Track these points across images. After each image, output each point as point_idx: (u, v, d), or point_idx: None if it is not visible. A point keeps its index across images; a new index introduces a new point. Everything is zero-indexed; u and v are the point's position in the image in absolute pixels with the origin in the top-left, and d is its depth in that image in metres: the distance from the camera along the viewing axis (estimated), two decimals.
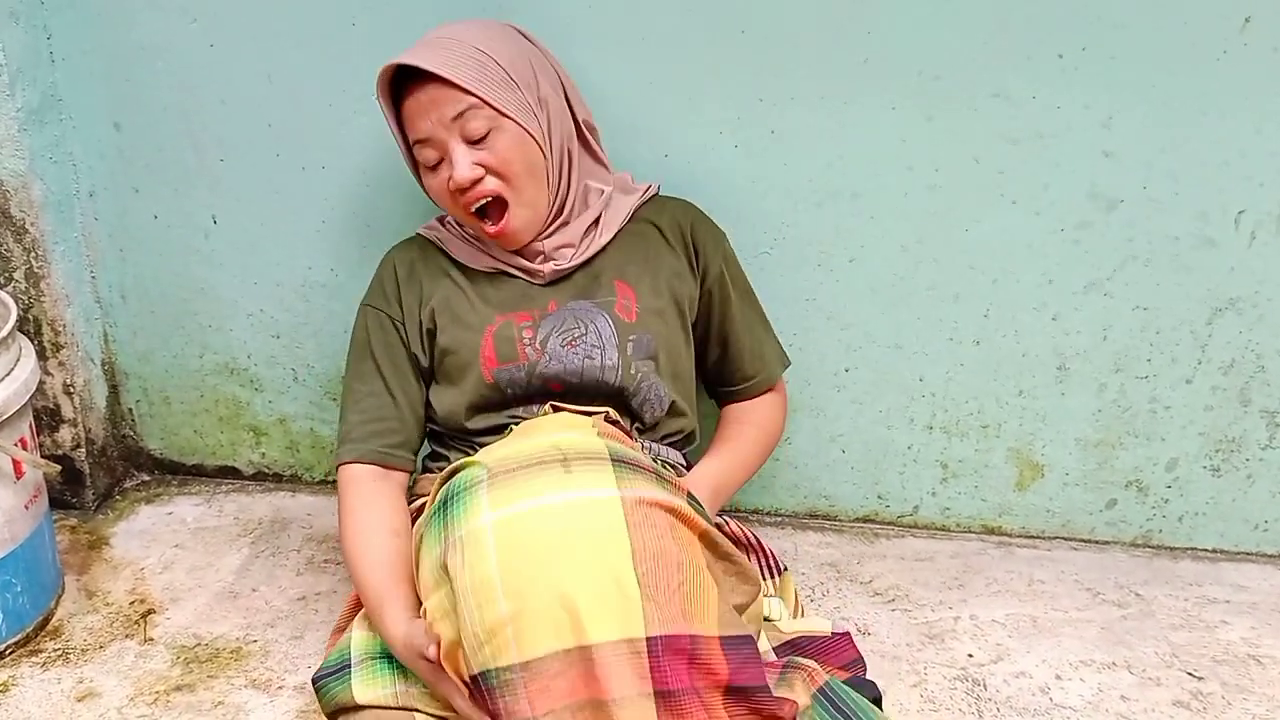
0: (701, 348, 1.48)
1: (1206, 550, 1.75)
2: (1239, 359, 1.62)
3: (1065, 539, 1.77)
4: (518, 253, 1.38)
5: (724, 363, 1.50)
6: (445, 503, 1.08)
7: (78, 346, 1.72)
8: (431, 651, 1.07)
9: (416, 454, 1.42)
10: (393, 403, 1.39)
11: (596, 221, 1.40)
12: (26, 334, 1.63)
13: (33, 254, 1.61)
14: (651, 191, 1.47)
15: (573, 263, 1.38)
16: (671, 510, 1.08)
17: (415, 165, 1.35)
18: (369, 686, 1.18)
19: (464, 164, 1.27)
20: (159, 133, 1.63)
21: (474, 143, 1.27)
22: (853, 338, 1.66)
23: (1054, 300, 1.61)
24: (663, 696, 0.99)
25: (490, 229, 1.32)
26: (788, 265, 1.61)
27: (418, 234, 1.47)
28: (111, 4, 1.55)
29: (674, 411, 1.41)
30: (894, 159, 1.54)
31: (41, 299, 1.64)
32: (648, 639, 0.99)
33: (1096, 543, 1.77)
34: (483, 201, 1.30)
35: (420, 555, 1.12)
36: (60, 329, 1.67)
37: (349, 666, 1.20)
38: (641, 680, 0.98)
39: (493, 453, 1.12)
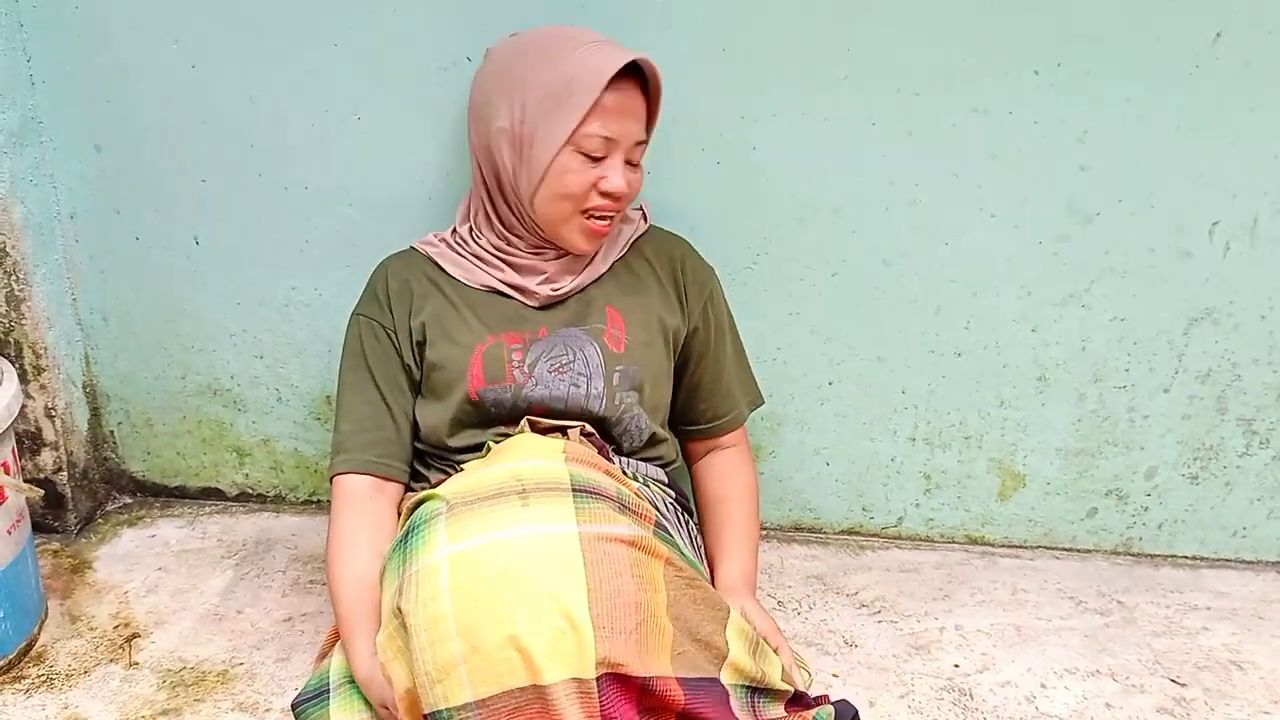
0: (675, 383, 1.49)
1: (1186, 557, 1.78)
2: (1215, 368, 1.64)
3: (1047, 548, 1.79)
4: (517, 270, 1.38)
5: (695, 401, 1.50)
6: (406, 536, 1.08)
7: (59, 369, 1.71)
8: (391, 702, 1.08)
9: (410, 466, 1.42)
10: (388, 412, 1.38)
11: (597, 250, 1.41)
12: (7, 357, 1.62)
13: (13, 277, 1.60)
14: (646, 222, 1.48)
15: (569, 289, 1.38)
16: (634, 543, 1.08)
17: (555, 151, 1.28)
18: (345, 712, 1.18)
19: (621, 177, 1.29)
20: (140, 154, 1.62)
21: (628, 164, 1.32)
22: (836, 351, 1.67)
23: (1033, 312, 1.63)
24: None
25: (599, 226, 1.33)
26: (771, 280, 1.62)
27: (412, 247, 1.45)
28: (91, 25, 1.55)
29: (653, 441, 1.42)
30: (875, 174, 1.55)
31: (22, 322, 1.63)
32: (598, 679, 1.00)
33: (1078, 551, 1.79)
34: (607, 213, 1.32)
35: (382, 585, 1.12)
36: (41, 352, 1.66)
37: (328, 692, 1.21)
38: (589, 711, 0.99)
39: (454, 484, 1.12)
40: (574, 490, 1.09)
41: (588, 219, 1.31)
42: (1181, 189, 1.54)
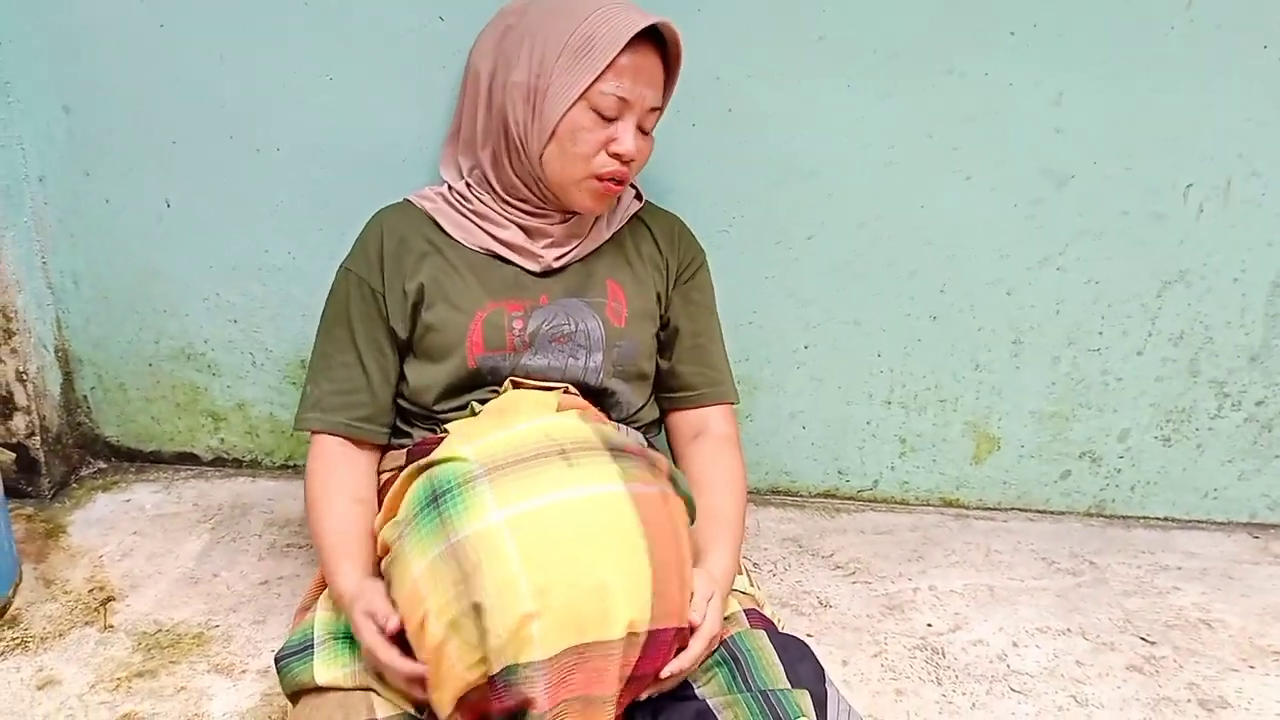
0: (663, 353, 1.45)
1: (1158, 519, 1.79)
2: (1188, 330, 1.65)
3: (1021, 510, 1.80)
4: (527, 232, 1.35)
5: (684, 367, 1.44)
6: (435, 499, 1.07)
7: (30, 333, 1.69)
8: (392, 625, 1.07)
9: (387, 427, 1.39)
10: (364, 374, 1.36)
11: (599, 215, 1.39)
12: None
13: None
14: (641, 201, 1.46)
15: (571, 257, 1.36)
16: (666, 499, 1.10)
17: (567, 106, 1.26)
18: (329, 666, 1.17)
19: (633, 141, 1.26)
20: (109, 115, 1.60)
21: (640, 130, 1.28)
22: (811, 314, 1.67)
23: (1008, 275, 1.63)
24: (633, 680, 1.03)
25: (612, 187, 1.29)
26: (746, 243, 1.62)
27: (408, 200, 1.41)
28: None
29: (639, 413, 1.42)
30: (850, 136, 1.55)
31: None
32: (649, 631, 1.02)
33: (1051, 513, 1.80)
34: (613, 177, 1.28)
35: (405, 552, 1.08)
36: (12, 315, 1.65)
37: (311, 646, 1.20)
38: (625, 668, 1.02)
39: (473, 442, 1.10)
40: (608, 448, 1.10)
41: (596, 181, 1.28)
42: (1156, 151, 1.54)
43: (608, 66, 1.23)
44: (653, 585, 1.03)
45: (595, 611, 1.00)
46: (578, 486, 1.05)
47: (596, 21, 1.24)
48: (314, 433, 1.36)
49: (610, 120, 1.26)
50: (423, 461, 1.12)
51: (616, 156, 1.26)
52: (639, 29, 1.23)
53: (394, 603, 1.10)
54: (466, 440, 1.12)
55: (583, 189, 1.30)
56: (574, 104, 1.25)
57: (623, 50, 1.23)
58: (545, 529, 1.02)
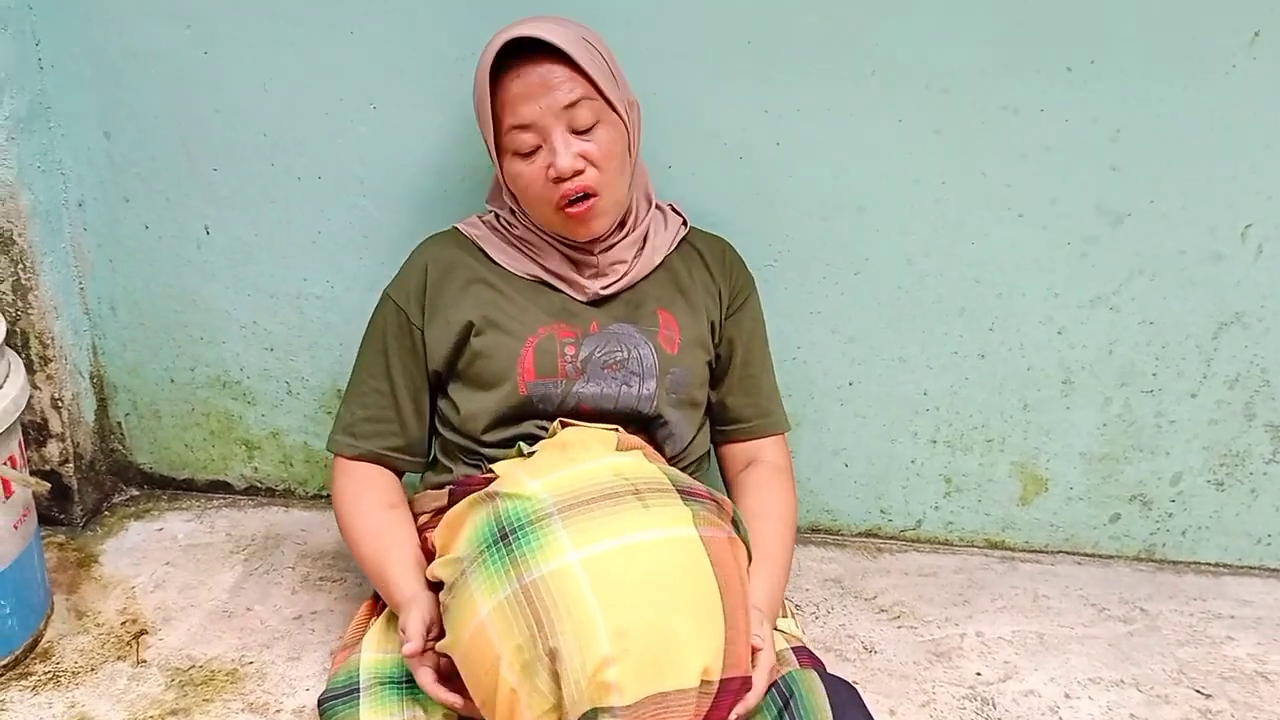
0: (715, 383, 1.44)
1: (1210, 564, 1.75)
2: (1244, 373, 1.61)
3: (1069, 553, 1.76)
4: (572, 261, 1.34)
5: (736, 397, 1.44)
6: (504, 536, 1.03)
7: (66, 359, 1.68)
8: (408, 649, 1.12)
9: (419, 458, 1.42)
10: (395, 404, 1.37)
11: (644, 241, 1.37)
12: (14, 347, 1.59)
13: (20, 265, 1.57)
14: (686, 226, 1.44)
15: (619, 285, 1.34)
16: (733, 542, 1.09)
17: (498, 150, 1.27)
18: (376, 714, 1.15)
19: (567, 154, 1.21)
20: (150, 141, 1.59)
21: (578, 133, 1.23)
22: (857, 351, 1.64)
23: (1060, 314, 1.59)
24: None
25: (576, 210, 1.24)
26: (792, 278, 1.59)
27: (455, 229, 1.40)
28: (102, 9, 1.51)
29: (691, 445, 1.39)
30: (900, 172, 1.52)
31: (29, 311, 1.60)
32: (721, 680, 1.01)
33: (1100, 557, 1.76)
34: (578, 195, 1.24)
35: (470, 590, 1.04)
36: (48, 342, 1.63)
37: (357, 691, 1.17)
38: (696, 718, 0.99)
39: (541, 477, 1.08)
40: (679, 491, 1.08)
41: (561, 211, 1.25)
42: (1214, 190, 1.50)
43: (498, 112, 1.24)
44: (725, 633, 1.01)
45: (673, 658, 0.97)
46: (654, 529, 1.03)
47: (479, 70, 1.25)
48: (341, 457, 1.39)
49: (537, 149, 1.24)
50: (483, 493, 1.09)
51: (558, 179, 1.23)
52: (491, 61, 1.22)
53: (453, 642, 1.07)
54: (533, 475, 1.09)
55: (557, 222, 1.29)
56: (501, 160, 1.27)
57: (503, 82, 1.22)
58: (622, 571, 0.99)
